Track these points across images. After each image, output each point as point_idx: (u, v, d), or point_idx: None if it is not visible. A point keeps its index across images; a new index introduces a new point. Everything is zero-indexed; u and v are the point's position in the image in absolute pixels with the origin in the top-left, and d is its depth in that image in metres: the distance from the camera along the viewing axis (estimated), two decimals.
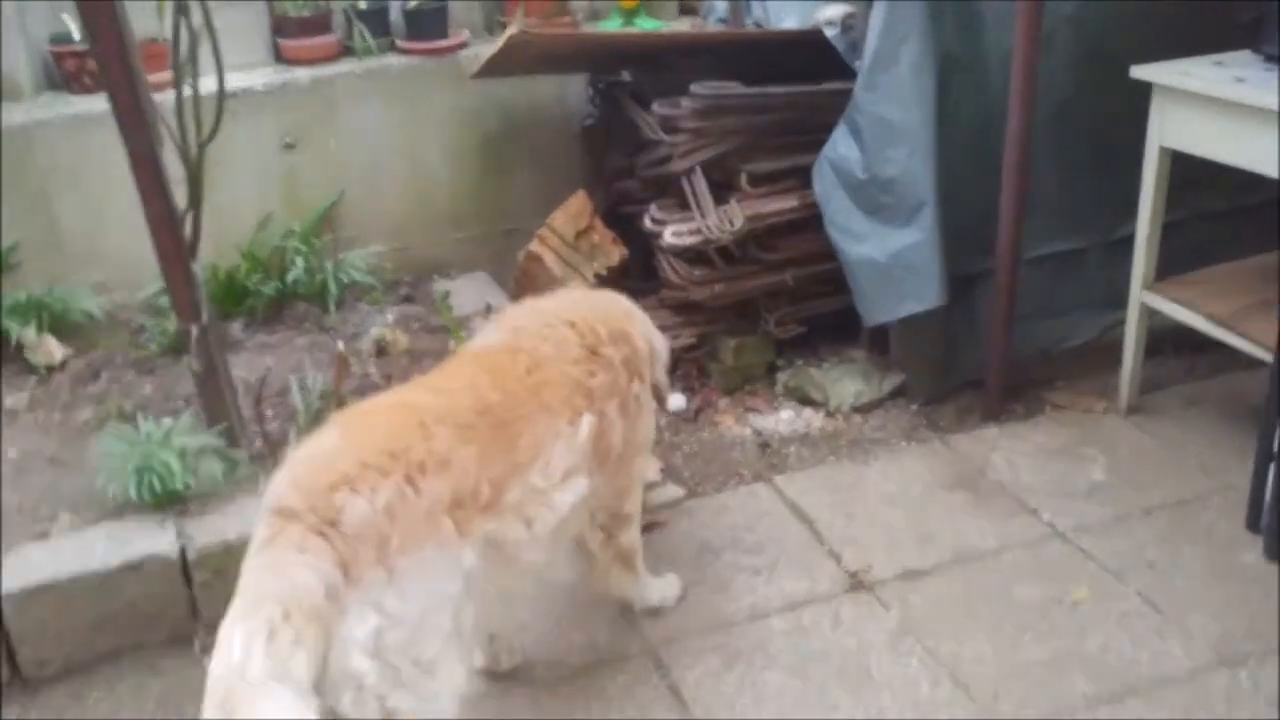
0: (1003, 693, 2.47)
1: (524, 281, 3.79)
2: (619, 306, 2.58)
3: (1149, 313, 3.29)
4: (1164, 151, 3.06)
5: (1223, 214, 3.57)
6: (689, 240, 3.43)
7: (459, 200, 4.17)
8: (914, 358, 3.58)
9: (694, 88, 3.43)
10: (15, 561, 2.61)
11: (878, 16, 3.17)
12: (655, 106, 3.53)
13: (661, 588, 2.75)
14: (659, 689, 2.53)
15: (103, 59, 2.52)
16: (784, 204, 3.55)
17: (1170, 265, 3.26)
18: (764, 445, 3.44)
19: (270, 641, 1.62)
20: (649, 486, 2.94)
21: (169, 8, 2.60)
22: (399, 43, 4.07)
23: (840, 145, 3.34)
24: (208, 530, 2.70)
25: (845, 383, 3.63)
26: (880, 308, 3.38)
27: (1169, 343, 3.59)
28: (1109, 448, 3.29)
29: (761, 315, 3.70)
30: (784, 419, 3.58)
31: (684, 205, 3.53)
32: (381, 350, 3.56)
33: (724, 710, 2.47)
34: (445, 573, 1.88)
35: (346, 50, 4.03)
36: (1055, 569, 2.83)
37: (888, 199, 3.26)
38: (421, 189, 4.11)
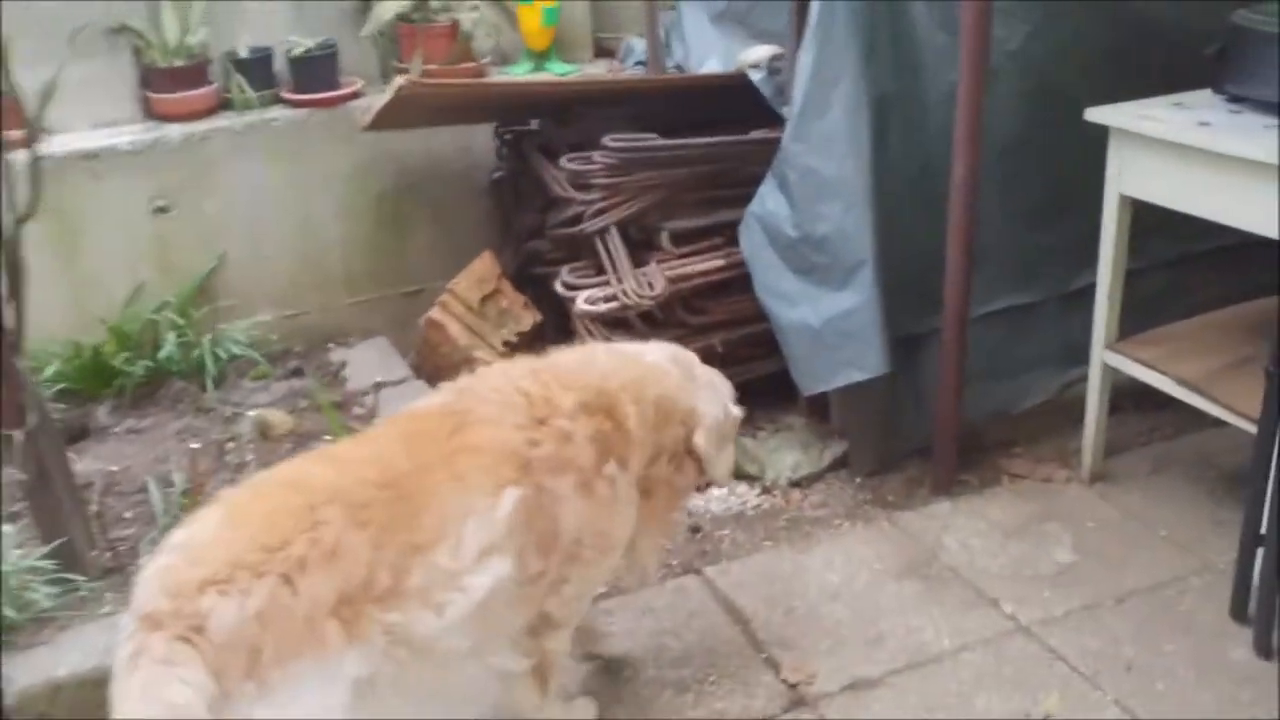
0: None
1: (426, 351, 3.47)
2: (647, 370, 2.26)
3: (1111, 372, 3.03)
4: (1124, 200, 2.82)
5: (1178, 261, 3.38)
6: (605, 308, 3.11)
7: (353, 262, 3.86)
8: (857, 425, 3.29)
9: (606, 140, 3.13)
10: None
11: (806, 58, 2.91)
12: (564, 161, 3.22)
13: (571, 714, 2.38)
14: None
15: None
16: (710, 264, 3.26)
17: (1127, 316, 3.02)
18: (694, 529, 3.11)
19: None
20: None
21: None
22: (284, 94, 3.75)
23: (768, 200, 3.07)
24: (32, 669, 2.29)
25: (783, 453, 3.32)
26: (817, 377, 3.09)
27: (1129, 398, 3.33)
28: (1073, 523, 3.01)
29: None
30: (716, 496, 3.24)
31: (599, 268, 3.22)
32: (264, 433, 3.20)
33: None
34: (326, 684, 1.70)
35: (227, 103, 3.69)
36: (1021, 673, 2.52)
37: (821, 259, 2.99)
38: (311, 251, 3.80)
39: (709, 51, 3.70)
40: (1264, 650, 2.50)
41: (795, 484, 3.26)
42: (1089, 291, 3.02)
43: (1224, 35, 2.71)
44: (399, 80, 3.07)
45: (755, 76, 3.29)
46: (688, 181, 3.25)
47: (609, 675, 2.57)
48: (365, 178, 3.78)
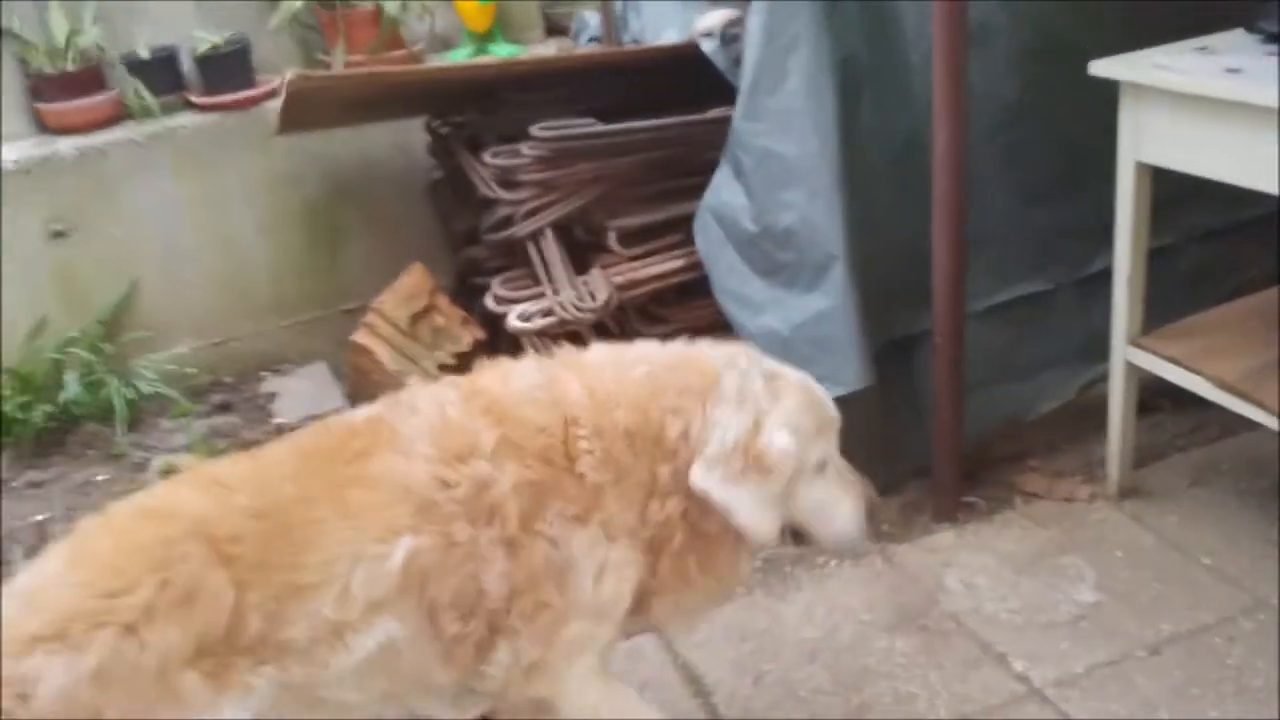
0: None
1: (356, 379, 3.12)
2: (627, 388, 1.75)
3: (1136, 371, 2.61)
4: (1141, 168, 2.39)
5: (1214, 235, 3.01)
6: (540, 323, 2.72)
7: (283, 280, 3.58)
8: (844, 445, 2.86)
9: (534, 130, 2.72)
10: None
11: (756, 20, 2.55)
12: (488, 156, 2.82)
13: None
14: None
15: None
16: (666, 266, 2.90)
17: (1158, 301, 2.63)
18: None
19: None
20: None
21: None
22: (193, 97, 3.43)
23: (723, 190, 2.72)
24: None
25: None
26: None
27: (1165, 395, 2.90)
28: (1098, 553, 2.58)
29: None
30: None
31: (536, 277, 2.81)
32: None
33: None
34: None
35: (128, 111, 3.37)
36: None
37: (786, 255, 2.63)
38: (234, 271, 3.53)
39: (666, 22, 3.32)
40: None
41: None
42: (1109, 274, 2.62)
43: None
44: (289, 75, 2.69)
45: (708, 47, 2.89)
46: (634, 172, 2.89)
47: None
48: (290, 186, 3.50)
